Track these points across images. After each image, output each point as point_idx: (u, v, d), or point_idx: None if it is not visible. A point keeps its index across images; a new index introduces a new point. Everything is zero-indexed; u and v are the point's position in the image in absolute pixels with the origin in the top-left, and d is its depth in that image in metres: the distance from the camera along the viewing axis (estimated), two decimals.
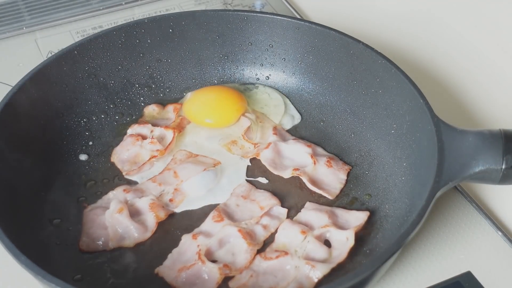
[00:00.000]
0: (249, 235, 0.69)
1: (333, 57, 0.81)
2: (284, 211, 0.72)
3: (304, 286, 0.64)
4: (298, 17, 1.03)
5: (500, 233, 0.72)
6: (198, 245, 0.67)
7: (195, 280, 0.65)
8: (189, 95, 0.85)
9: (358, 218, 0.71)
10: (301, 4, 1.08)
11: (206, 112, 0.83)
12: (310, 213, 0.72)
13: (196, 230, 0.70)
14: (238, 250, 0.68)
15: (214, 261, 0.67)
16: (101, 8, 1.07)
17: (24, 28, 1.03)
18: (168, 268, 0.66)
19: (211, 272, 0.65)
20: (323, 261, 0.66)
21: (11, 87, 0.73)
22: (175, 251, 0.68)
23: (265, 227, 0.71)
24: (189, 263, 0.66)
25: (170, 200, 0.73)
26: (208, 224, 0.71)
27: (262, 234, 0.70)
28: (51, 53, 0.98)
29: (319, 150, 0.79)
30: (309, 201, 0.74)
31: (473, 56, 0.95)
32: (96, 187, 0.75)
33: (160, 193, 0.74)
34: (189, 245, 0.68)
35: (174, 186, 0.75)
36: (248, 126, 0.80)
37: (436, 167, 0.63)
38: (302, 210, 0.72)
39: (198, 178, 0.75)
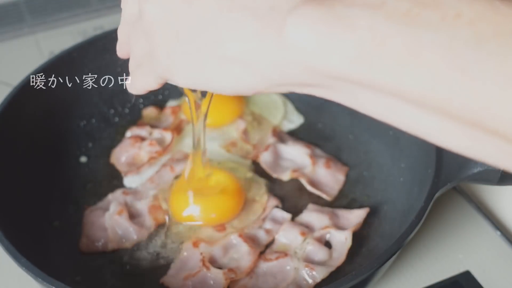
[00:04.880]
0: (251, 239, 0.69)
1: None
2: (288, 216, 0.72)
3: None
4: None
5: (498, 232, 0.72)
6: (201, 253, 0.67)
7: (202, 287, 0.65)
8: None
9: (357, 216, 0.71)
10: None
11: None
12: (311, 215, 0.72)
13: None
14: (241, 254, 0.68)
15: (218, 267, 0.66)
16: (102, 9, 1.07)
17: (26, 29, 1.03)
18: (173, 277, 0.66)
19: (217, 277, 0.65)
20: (323, 264, 0.66)
21: (12, 88, 0.73)
22: (177, 260, 0.68)
23: (267, 231, 0.70)
24: (193, 270, 0.66)
25: (167, 199, 0.73)
26: (209, 230, 0.70)
27: (264, 239, 0.70)
28: (52, 53, 0.98)
29: (318, 151, 0.79)
30: (309, 203, 0.73)
31: None
32: (95, 189, 0.76)
33: (158, 192, 0.74)
34: (191, 254, 0.68)
35: (171, 182, 0.74)
36: (244, 127, 0.80)
37: (434, 168, 0.64)
38: (304, 211, 0.72)
39: None
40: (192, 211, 0.70)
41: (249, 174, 0.76)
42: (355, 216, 0.71)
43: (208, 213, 0.70)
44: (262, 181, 0.75)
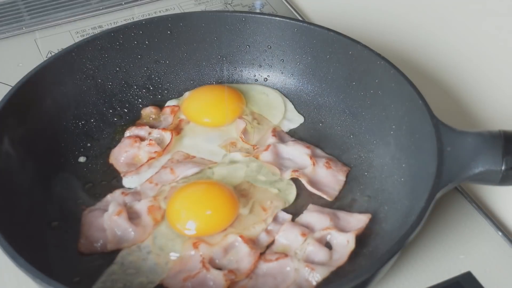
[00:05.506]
0: (251, 240, 0.68)
1: (332, 58, 0.81)
2: (288, 216, 0.72)
3: None
4: (298, 17, 1.03)
5: (500, 233, 0.72)
6: (201, 254, 0.67)
7: None
8: (187, 94, 0.85)
9: (360, 220, 0.71)
10: (300, 4, 1.08)
11: (204, 110, 0.83)
12: (312, 215, 0.71)
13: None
14: (241, 255, 0.67)
15: (218, 268, 0.66)
16: (100, 8, 1.07)
17: (24, 28, 1.03)
18: (172, 278, 0.66)
19: (217, 279, 0.64)
20: (323, 264, 0.66)
21: (10, 87, 0.73)
22: (177, 261, 0.67)
23: (268, 232, 0.70)
24: (193, 271, 0.66)
25: (166, 198, 0.73)
26: None
27: (265, 240, 0.70)
28: (50, 53, 0.98)
29: (318, 151, 0.79)
30: (309, 203, 0.73)
31: (472, 56, 0.95)
32: (94, 189, 0.75)
33: (157, 192, 0.74)
34: (191, 255, 0.67)
35: (170, 184, 0.74)
36: (244, 127, 0.80)
37: (435, 168, 0.63)
38: (304, 212, 0.72)
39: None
40: (189, 227, 0.70)
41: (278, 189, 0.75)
42: (357, 220, 0.71)
43: (203, 228, 0.70)
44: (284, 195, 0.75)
